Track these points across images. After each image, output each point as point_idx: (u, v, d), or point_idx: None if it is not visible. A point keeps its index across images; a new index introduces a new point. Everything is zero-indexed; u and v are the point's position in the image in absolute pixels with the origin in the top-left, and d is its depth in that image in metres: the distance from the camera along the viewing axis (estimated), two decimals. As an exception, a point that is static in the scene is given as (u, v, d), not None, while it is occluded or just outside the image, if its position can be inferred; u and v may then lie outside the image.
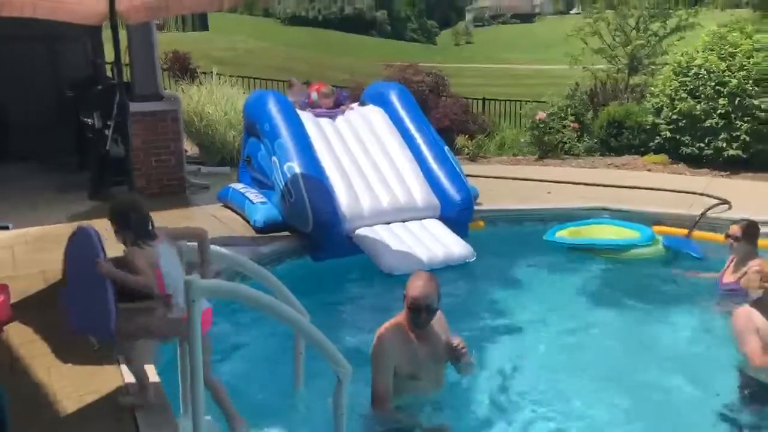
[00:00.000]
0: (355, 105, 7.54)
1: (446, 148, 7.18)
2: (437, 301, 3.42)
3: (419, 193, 6.58)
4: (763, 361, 3.84)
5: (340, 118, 7.27)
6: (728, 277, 5.04)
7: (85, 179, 8.26)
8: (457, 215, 6.56)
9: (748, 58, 8.98)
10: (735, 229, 5.04)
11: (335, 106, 7.37)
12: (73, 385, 3.44)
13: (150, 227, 3.24)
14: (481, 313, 5.12)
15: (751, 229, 5.00)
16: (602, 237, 6.32)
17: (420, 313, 3.36)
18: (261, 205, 6.62)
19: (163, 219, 6.64)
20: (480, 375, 4.08)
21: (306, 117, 7.02)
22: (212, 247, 3.30)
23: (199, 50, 20.12)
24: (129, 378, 3.50)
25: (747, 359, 3.86)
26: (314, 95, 7.41)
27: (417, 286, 3.37)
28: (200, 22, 27.82)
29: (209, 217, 7.03)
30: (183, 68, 13.74)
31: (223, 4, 5.57)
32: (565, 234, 6.40)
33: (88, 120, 8.19)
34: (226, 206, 7.29)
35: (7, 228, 6.46)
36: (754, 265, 4.70)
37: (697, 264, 5.90)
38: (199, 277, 2.23)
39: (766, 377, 3.82)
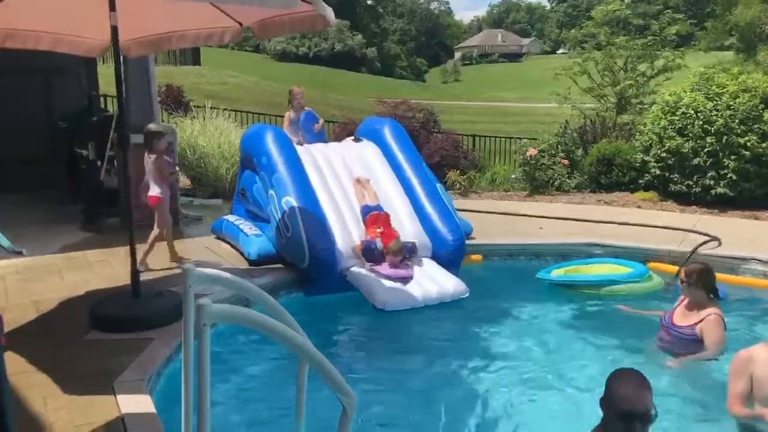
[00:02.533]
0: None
1: (439, 185, 7.16)
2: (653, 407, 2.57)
3: (411, 234, 6.55)
4: (739, 413, 3.61)
5: (335, 153, 7.30)
6: (680, 320, 4.79)
7: (76, 211, 8.24)
8: (449, 255, 6.51)
9: (734, 98, 9.19)
10: (687, 273, 4.79)
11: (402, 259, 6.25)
12: (70, 416, 3.40)
13: (149, 145, 6.27)
14: (474, 351, 5.07)
15: (697, 276, 4.73)
16: (595, 274, 6.34)
17: (634, 423, 2.54)
18: (255, 238, 6.62)
19: (156, 250, 6.68)
20: (472, 414, 4.07)
21: (301, 150, 7.06)
22: (215, 271, 3.27)
23: (190, 84, 20.22)
24: (125, 409, 3.47)
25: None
26: (379, 244, 6.23)
27: (626, 386, 2.59)
28: (193, 57, 28.02)
29: (203, 249, 7.02)
30: (176, 101, 13.84)
31: (224, 38, 5.64)
32: (560, 273, 6.41)
33: (82, 151, 8.20)
34: (220, 238, 7.29)
35: (21, 253, 6.44)
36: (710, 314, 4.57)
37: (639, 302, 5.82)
38: (210, 301, 2.21)
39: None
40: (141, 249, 5.30)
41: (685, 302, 4.84)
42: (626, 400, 2.53)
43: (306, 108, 9.09)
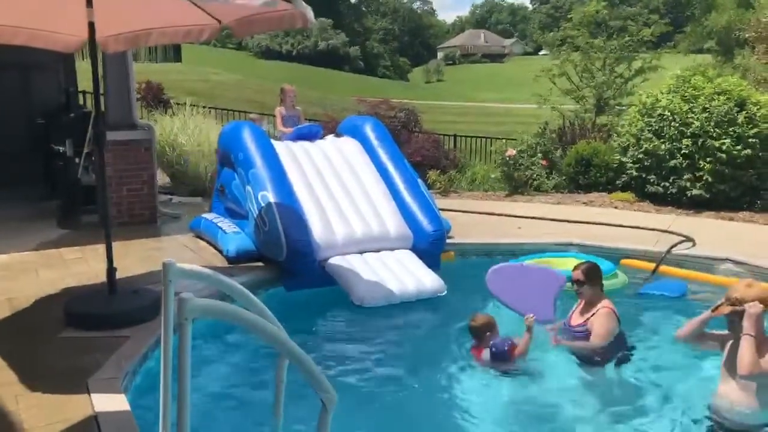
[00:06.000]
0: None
1: (419, 180, 7.25)
2: None
3: (392, 223, 6.62)
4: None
5: (315, 147, 7.31)
6: (576, 320, 4.90)
7: (53, 208, 8.17)
8: (429, 246, 6.60)
9: (710, 101, 9.31)
10: (578, 275, 4.89)
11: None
12: (42, 414, 3.37)
13: None
14: (450, 347, 5.11)
15: (593, 272, 4.88)
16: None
17: None
18: (233, 235, 6.61)
19: (132, 248, 6.63)
20: (447, 412, 4.10)
21: (280, 145, 7.07)
22: (194, 266, 3.26)
23: (171, 81, 20.10)
24: (99, 407, 3.46)
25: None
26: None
27: None
28: (174, 53, 27.86)
29: (181, 247, 6.99)
30: (156, 98, 13.76)
31: (202, 35, 5.60)
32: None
33: (60, 148, 8.13)
34: (198, 236, 7.26)
35: None
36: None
37: None
38: (192, 295, 2.20)
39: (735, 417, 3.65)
40: (116, 246, 5.24)
41: (582, 304, 4.93)
42: None
43: (297, 107, 9.09)
